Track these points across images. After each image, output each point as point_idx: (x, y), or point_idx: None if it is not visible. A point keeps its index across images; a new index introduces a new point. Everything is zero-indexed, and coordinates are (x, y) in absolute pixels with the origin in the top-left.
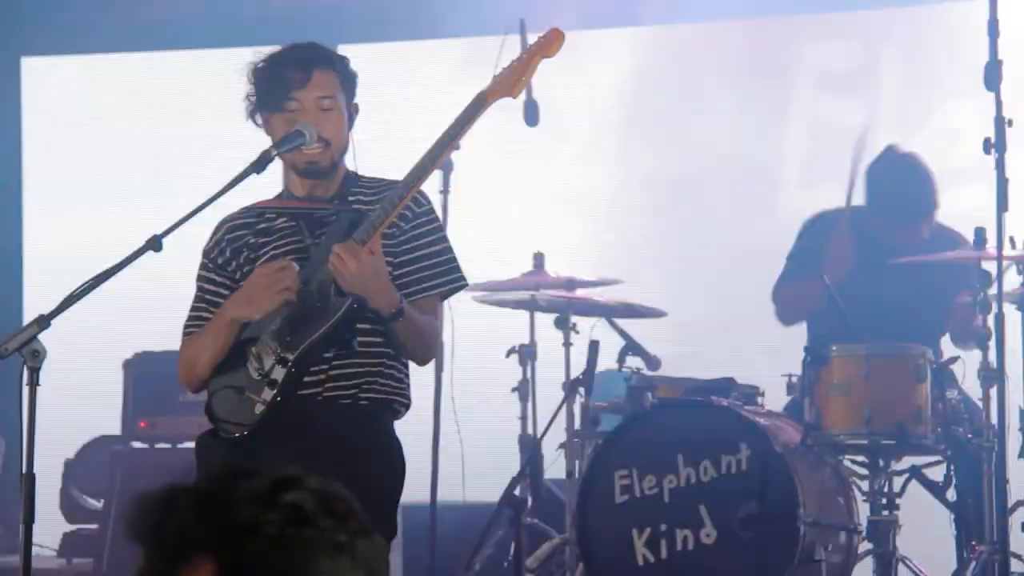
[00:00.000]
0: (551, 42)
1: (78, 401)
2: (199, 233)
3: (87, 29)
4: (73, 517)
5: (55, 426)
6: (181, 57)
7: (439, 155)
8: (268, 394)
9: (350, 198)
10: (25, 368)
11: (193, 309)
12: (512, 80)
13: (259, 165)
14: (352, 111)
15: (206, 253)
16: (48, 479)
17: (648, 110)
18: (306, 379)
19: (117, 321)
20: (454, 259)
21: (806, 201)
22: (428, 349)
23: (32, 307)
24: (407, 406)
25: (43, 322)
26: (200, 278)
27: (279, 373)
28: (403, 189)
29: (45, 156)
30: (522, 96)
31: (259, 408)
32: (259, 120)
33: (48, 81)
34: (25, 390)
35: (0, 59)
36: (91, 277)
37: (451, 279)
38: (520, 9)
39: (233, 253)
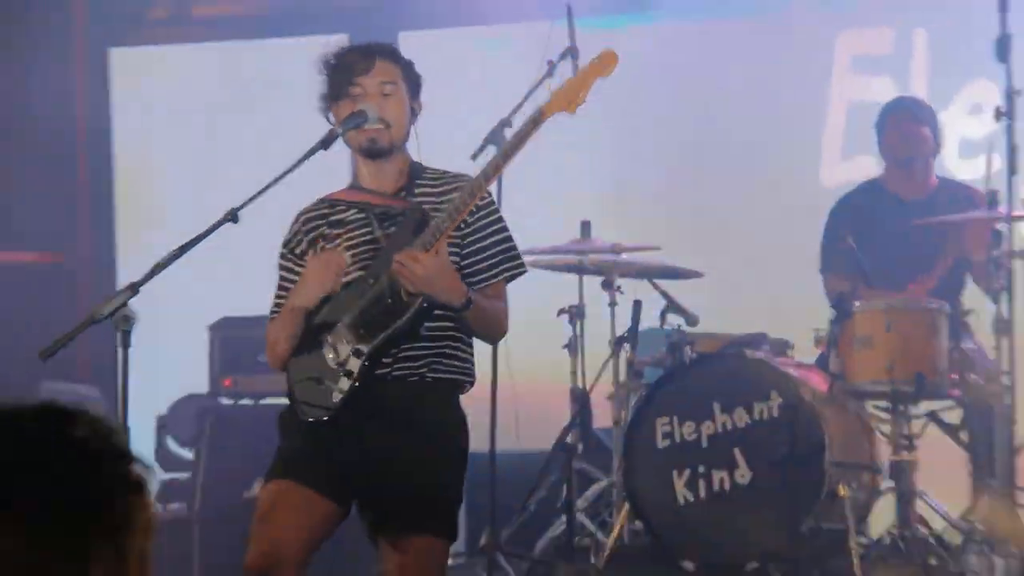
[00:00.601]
0: (606, 64)
1: (169, 362)
2: (274, 208)
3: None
4: (166, 467)
5: (149, 385)
6: (270, 45)
7: (501, 165)
8: (345, 384)
9: (416, 190)
10: (118, 331)
11: (276, 295)
12: (569, 97)
13: (325, 143)
14: (415, 107)
15: (285, 244)
16: (143, 433)
17: (691, 92)
18: (381, 360)
19: (203, 289)
20: (514, 247)
21: (844, 170)
22: (497, 331)
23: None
24: (471, 382)
25: (133, 289)
26: (281, 267)
27: (354, 364)
28: (468, 196)
29: (136, 142)
30: (569, 74)
31: (337, 396)
32: (330, 113)
33: (138, 71)
34: (119, 351)
35: (91, 50)
36: (175, 248)
37: (513, 265)
38: None
39: (309, 243)
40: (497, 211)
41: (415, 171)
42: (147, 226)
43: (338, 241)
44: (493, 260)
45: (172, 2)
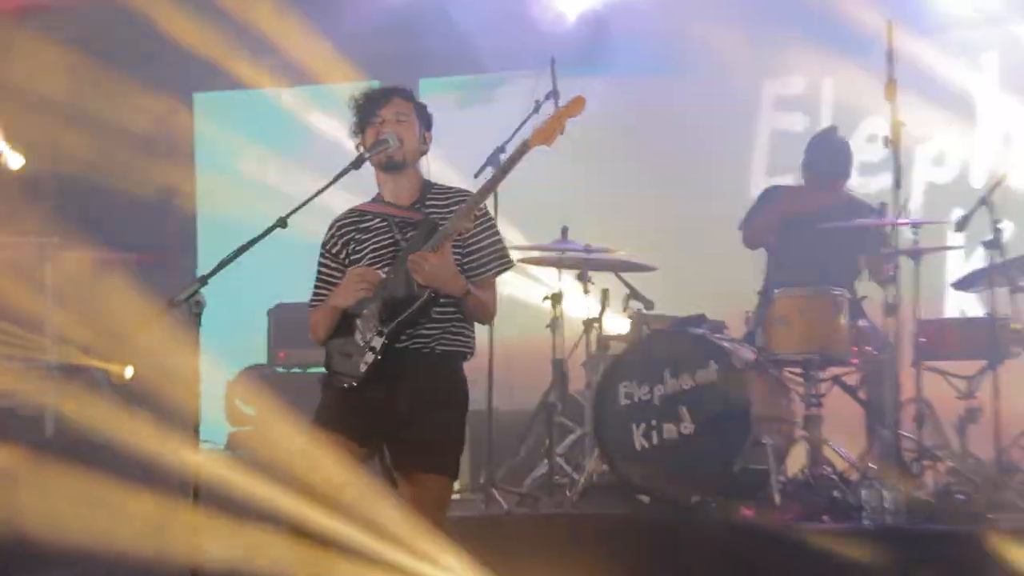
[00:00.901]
0: (576, 107)
1: (236, 339)
2: (315, 218)
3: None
4: (234, 421)
5: (221, 357)
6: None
7: (494, 186)
8: (370, 357)
9: (427, 202)
10: (191, 314)
11: (316, 287)
12: (547, 134)
13: (356, 164)
14: (427, 138)
15: (323, 245)
16: (216, 394)
17: (649, 125)
18: (400, 337)
19: (263, 281)
20: (504, 248)
21: (769, 184)
22: (488, 314)
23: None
24: (472, 353)
25: (203, 280)
26: (320, 264)
27: (377, 342)
28: (467, 209)
29: (215, 174)
30: (551, 111)
31: (363, 367)
32: (358, 140)
33: (216, 113)
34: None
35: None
36: (236, 248)
37: (503, 262)
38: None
39: (343, 245)
40: (491, 219)
41: (426, 187)
42: (224, 234)
43: (367, 243)
44: (487, 258)
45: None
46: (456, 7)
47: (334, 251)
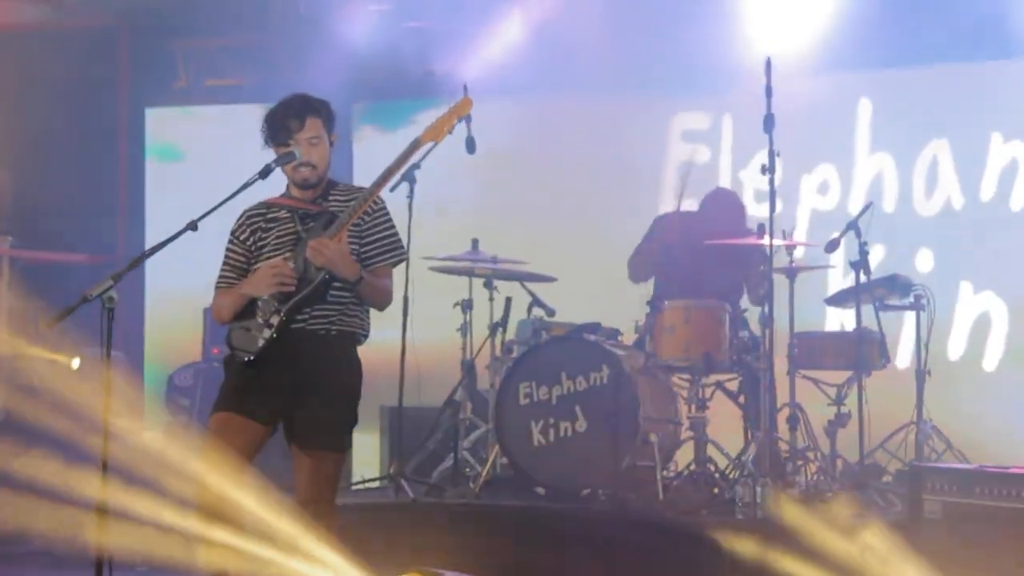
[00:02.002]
0: (463, 107)
1: (176, 336)
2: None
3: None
4: (173, 412)
5: (162, 352)
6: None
7: (384, 180)
8: (266, 333)
9: (329, 197)
10: (104, 309)
11: (222, 270)
12: (437, 130)
13: (263, 174)
14: (332, 140)
15: (232, 232)
16: (158, 386)
17: (560, 149)
18: (298, 318)
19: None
20: (399, 240)
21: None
22: (383, 300)
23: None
24: (366, 335)
25: (117, 277)
26: (227, 249)
27: (275, 320)
28: (360, 202)
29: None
30: (464, 132)
31: (260, 342)
32: (271, 145)
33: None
34: (103, 324)
35: (130, 110)
36: (148, 248)
37: (396, 253)
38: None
39: (250, 232)
40: (387, 213)
41: (329, 185)
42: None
43: (271, 231)
44: (383, 249)
45: (191, 74)
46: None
47: (241, 237)
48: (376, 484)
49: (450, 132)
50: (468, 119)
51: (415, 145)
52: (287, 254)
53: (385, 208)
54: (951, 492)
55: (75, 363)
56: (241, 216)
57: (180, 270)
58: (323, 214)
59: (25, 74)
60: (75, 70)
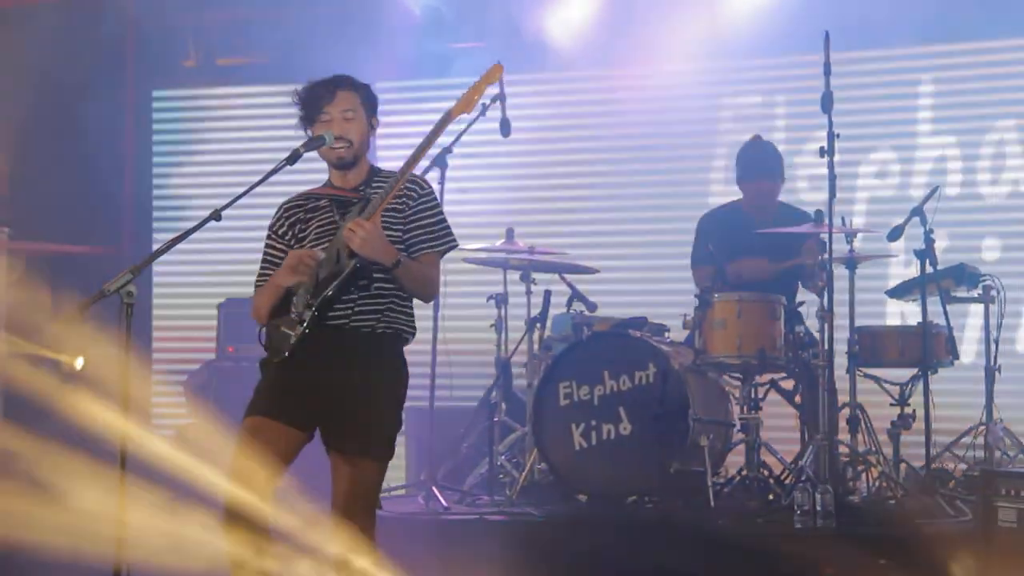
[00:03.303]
0: (493, 74)
1: (193, 333)
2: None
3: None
4: (189, 412)
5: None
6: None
7: (417, 158)
8: (298, 329)
9: (373, 184)
10: (123, 304)
11: (261, 267)
12: (467, 101)
13: (291, 159)
14: (374, 123)
15: (271, 227)
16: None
17: (601, 132)
18: (339, 313)
19: (212, 277)
20: (448, 227)
21: (726, 194)
22: (428, 291)
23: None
24: (413, 334)
25: (135, 271)
26: (266, 245)
27: (307, 315)
28: (395, 180)
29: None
30: (498, 114)
31: (292, 339)
32: (309, 131)
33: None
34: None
35: (137, 92)
36: (168, 240)
37: (445, 240)
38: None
39: (288, 227)
40: (435, 199)
41: (373, 172)
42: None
43: (311, 223)
44: (427, 236)
45: (201, 54)
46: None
47: (280, 232)
48: (404, 492)
49: (483, 104)
50: (503, 99)
51: (446, 118)
52: (326, 244)
53: (432, 192)
54: None
55: (79, 363)
56: (279, 210)
57: (192, 263)
58: (360, 200)
59: (22, 54)
60: (77, 49)
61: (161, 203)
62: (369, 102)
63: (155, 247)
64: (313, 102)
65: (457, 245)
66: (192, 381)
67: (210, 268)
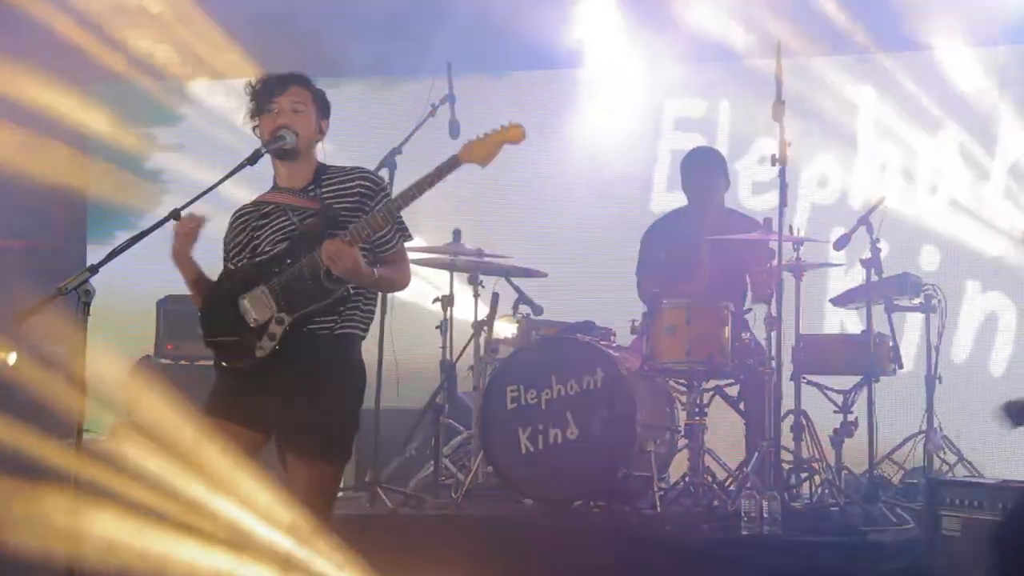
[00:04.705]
0: (514, 134)
1: (129, 329)
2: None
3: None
4: (132, 412)
5: (112, 347)
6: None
7: (417, 194)
8: (268, 344)
9: (322, 183)
10: (80, 303)
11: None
12: (482, 154)
13: (252, 159)
14: (323, 127)
15: (225, 241)
16: (100, 384)
17: (548, 135)
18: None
19: (153, 272)
20: (403, 221)
21: (667, 200)
22: (400, 286)
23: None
24: (366, 332)
25: (92, 269)
26: (225, 257)
27: (276, 329)
28: (388, 213)
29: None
30: (448, 115)
31: (260, 352)
32: (255, 123)
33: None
34: (80, 319)
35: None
36: (127, 239)
37: (405, 233)
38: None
39: (235, 234)
40: (389, 194)
41: (320, 170)
42: (120, 227)
43: (265, 230)
44: (391, 234)
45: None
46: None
47: (227, 241)
48: (344, 494)
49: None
50: (452, 100)
51: (453, 163)
52: (282, 245)
53: (389, 193)
54: (971, 507)
55: (11, 358)
56: (231, 219)
57: (129, 259)
58: (324, 210)
59: None
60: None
61: (95, 198)
62: (321, 104)
63: (89, 242)
64: (265, 93)
65: (411, 237)
66: (135, 377)
67: (150, 265)
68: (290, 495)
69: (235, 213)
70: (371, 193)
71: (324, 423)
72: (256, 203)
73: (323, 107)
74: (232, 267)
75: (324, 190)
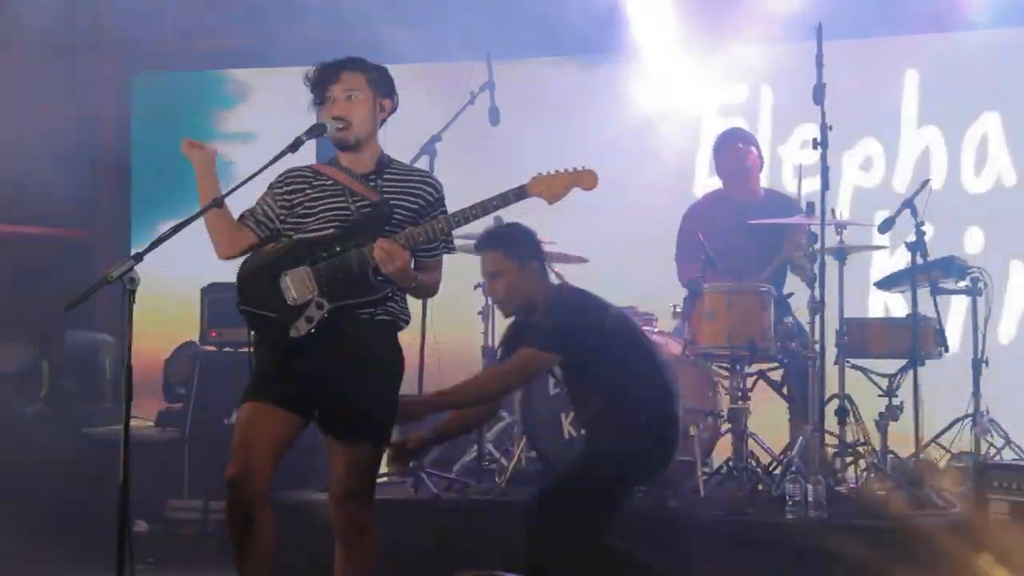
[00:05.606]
0: (587, 179)
1: (171, 317)
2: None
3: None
4: (168, 399)
5: (157, 334)
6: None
7: (479, 215)
8: (304, 327)
9: (385, 175)
10: (125, 291)
11: (244, 211)
12: (552, 190)
13: (293, 147)
14: (384, 105)
15: (271, 185)
16: (152, 371)
17: (588, 121)
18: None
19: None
20: (451, 235)
21: (710, 184)
22: (430, 294)
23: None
24: (407, 321)
25: (137, 257)
26: (259, 200)
27: (315, 313)
28: (445, 225)
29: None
30: (487, 102)
31: (294, 333)
32: (318, 111)
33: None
34: (125, 307)
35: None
36: (171, 226)
37: (448, 246)
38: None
39: (292, 193)
40: (444, 203)
41: (383, 161)
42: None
43: (320, 204)
44: (436, 243)
45: (179, 37)
46: None
47: (281, 191)
48: (389, 479)
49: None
50: (492, 87)
51: (520, 193)
52: (332, 231)
53: (442, 198)
54: (1019, 491)
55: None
56: (284, 175)
57: (172, 245)
58: (381, 204)
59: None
60: (53, 31)
61: (140, 187)
62: (378, 84)
63: (133, 231)
64: (319, 83)
65: (455, 250)
66: (171, 368)
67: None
68: (332, 476)
69: (289, 171)
70: (435, 202)
71: (363, 405)
72: (314, 171)
73: (382, 86)
74: (278, 229)
75: (385, 183)
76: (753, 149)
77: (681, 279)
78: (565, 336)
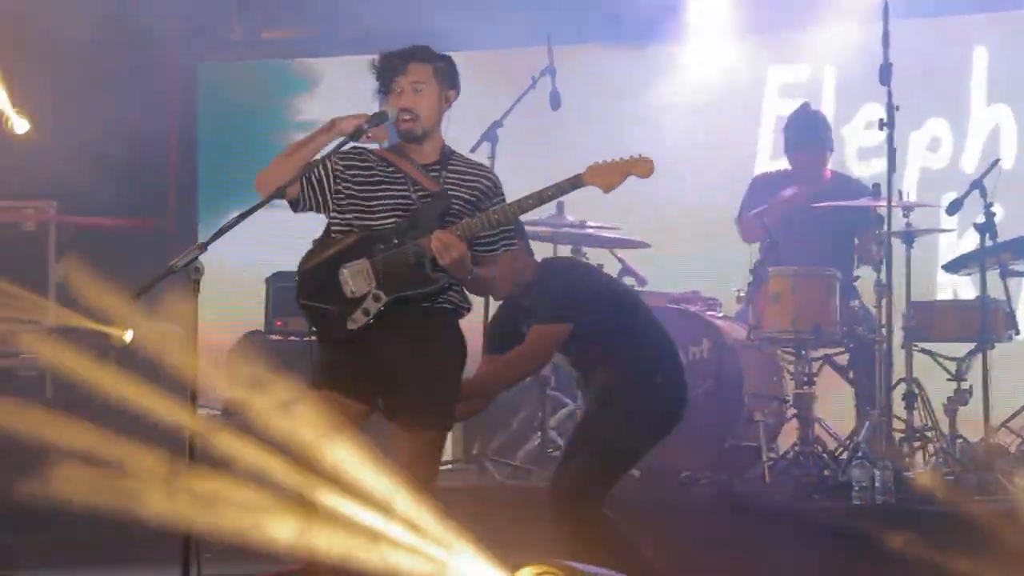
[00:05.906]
0: (643, 166)
1: (236, 307)
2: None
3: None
4: (233, 386)
5: (222, 323)
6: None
7: (535, 205)
8: (362, 319)
9: (449, 166)
10: (190, 280)
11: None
12: (608, 180)
13: (355, 136)
14: (449, 96)
15: (342, 156)
16: (213, 360)
17: (650, 105)
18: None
19: (261, 250)
20: (512, 229)
21: (772, 165)
22: (491, 290)
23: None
24: (468, 308)
25: (202, 247)
26: (321, 162)
27: (372, 305)
28: (503, 216)
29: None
30: (548, 86)
31: (351, 325)
32: (384, 101)
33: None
34: (192, 296)
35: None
36: (234, 216)
37: (509, 243)
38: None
39: (361, 170)
40: (504, 198)
41: (446, 153)
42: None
43: (382, 191)
44: (495, 237)
45: (246, 27)
46: None
47: (345, 165)
48: (453, 466)
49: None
50: (553, 72)
51: (576, 182)
52: (394, 221)
53: (501, 190)
54: None
55: (127, 336)
56: (349, 152)
57: (235, 236)
58: (439, 195)
59: (63, 27)
60: (119, 22)
61: (206, 177)
62: (444, 76)
63: (200, 221)
64: (386, 73)
65: (517, 247)
66: (239, 352)
67: (259, 242)
68: (394, 464)
69: (355, 149)
70: (492, 193)
71: (425, 392)
72: (380, 156)
73: (448, 77)
74: (324, 196)
75: (448, 175)
76: (824, 133)
77: (742, 234)
78: (567, 302)
